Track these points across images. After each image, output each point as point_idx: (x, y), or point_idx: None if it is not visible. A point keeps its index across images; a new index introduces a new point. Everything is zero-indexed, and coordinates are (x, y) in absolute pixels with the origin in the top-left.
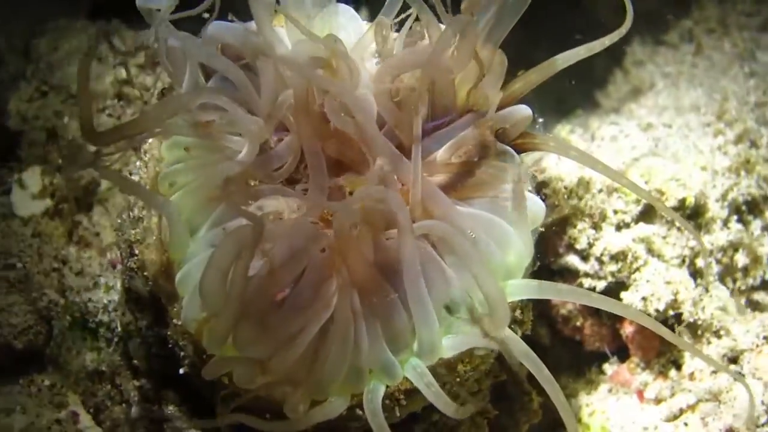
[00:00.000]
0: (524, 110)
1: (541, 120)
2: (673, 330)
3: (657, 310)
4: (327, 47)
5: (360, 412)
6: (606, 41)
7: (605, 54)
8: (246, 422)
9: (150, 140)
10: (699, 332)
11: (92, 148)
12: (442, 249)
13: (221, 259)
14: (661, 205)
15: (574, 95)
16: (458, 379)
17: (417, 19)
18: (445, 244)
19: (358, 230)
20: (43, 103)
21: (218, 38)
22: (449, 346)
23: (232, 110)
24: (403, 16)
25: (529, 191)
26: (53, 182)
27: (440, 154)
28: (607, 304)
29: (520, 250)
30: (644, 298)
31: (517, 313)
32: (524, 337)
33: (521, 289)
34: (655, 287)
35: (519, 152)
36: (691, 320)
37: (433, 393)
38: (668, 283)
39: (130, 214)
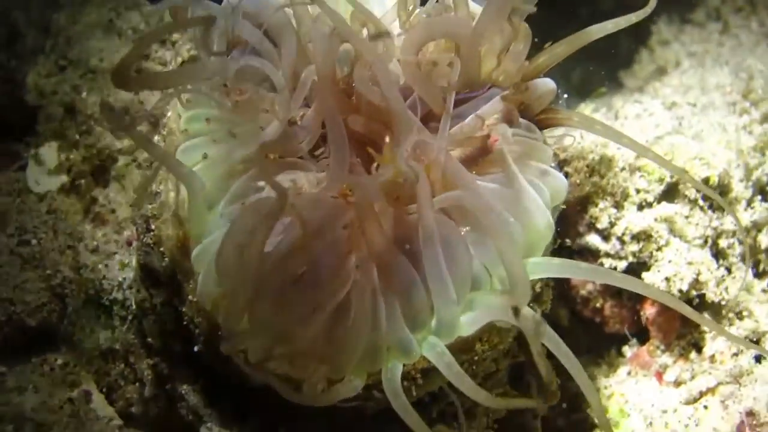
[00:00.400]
0: (549, 83)
1: (565, 96)
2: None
3: (680, 291)
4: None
5: (377, 393)
6: (633, 17)
7: (630, 34)
8: (272, 384)
9: (169, 114)
10: (722, 313)
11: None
12: (463, 224)
13: (239, 232)
14: (689, 177)
15: (599, 76)
16: (475, 358)
17: None
18: (468, 218)
19: (379, 205)
20: (61, 78)
21: (242, 7)
22: (467, 322)
23: (275, 78)
24: None
25: (552, 167)
26: (69, 158)
27: (462, 127)
28: (628, 283)
29: (540, 227)
30: (667, 278)
31: (537, 289)
32: (543, 317)
33: (541, 267)
34: (677, 267)
35: (542, 128)
36: (715, 300)
37: (454, 374)
38: (690, 263)
39: (148, 188)
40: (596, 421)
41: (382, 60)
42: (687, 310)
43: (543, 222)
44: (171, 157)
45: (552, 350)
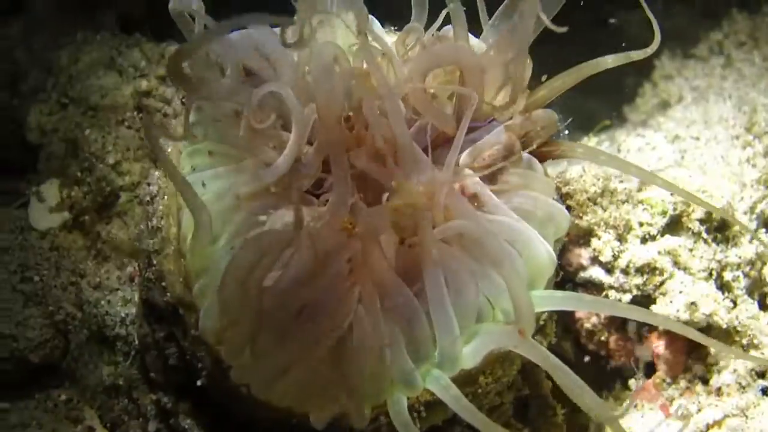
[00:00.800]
0: (551, 114)
1: (566, 132)
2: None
3: (699, 319)
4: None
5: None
6: (633, 55)
7: (633, 69)
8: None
9: (169, 149)
10: (728, 344)
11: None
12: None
13: (241, 266)
14: (699, 201)
15: (602, 111)
16: (479, 391)
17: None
18: (470, 249)
19: (384, 237)
20: (62, 116)
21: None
22: (470, 353)
23: (295, 110)
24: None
25: (555, 199)
26: (71, 195)
27: (463, 158)
28: (633, 313)
29: (542, 259)
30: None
31: (540, 322)
32: (550, 349)
33: (545, 300)
34: (689, 297)
35: (544, 160)
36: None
37: (463, 407)
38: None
39: (149, 224)
40: None
41: (393, 94)
42: (695, 335)
43: (544, 254)
44: (190, 188)
45: (555, 377)
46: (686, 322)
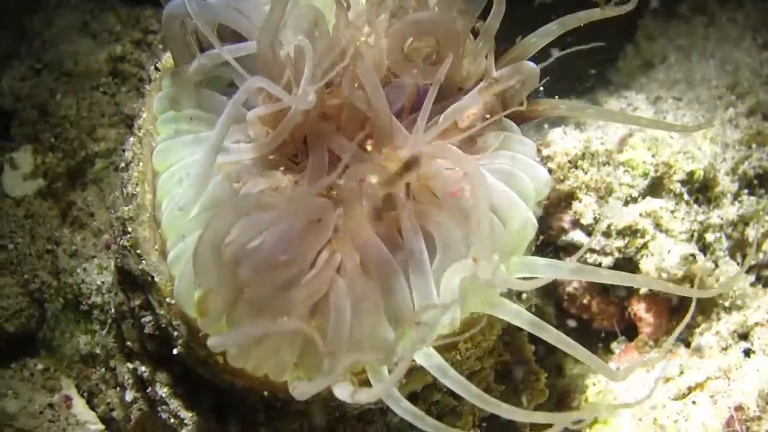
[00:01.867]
0: (529, 66)
1: (541, 89)
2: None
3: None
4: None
5: None
6: (609, 11)
7: (615, 29)
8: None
9: (144, 115)
10: (709, 306)
11: None
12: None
13: (217, 229)
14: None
15: (583, 73)
16: (458, 357)
17: None
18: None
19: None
20: (36, 82)
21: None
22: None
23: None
24: None
25: (536, 162)
26: (45, 161)
27: (441, 120)
28: (615, 278)
29: (523, 223)
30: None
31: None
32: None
33: (527, 266)
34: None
35: (525, 121)
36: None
37: (451, 379)
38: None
39: (123, 191)
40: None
41: (370, 70)
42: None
43: (525, 217)
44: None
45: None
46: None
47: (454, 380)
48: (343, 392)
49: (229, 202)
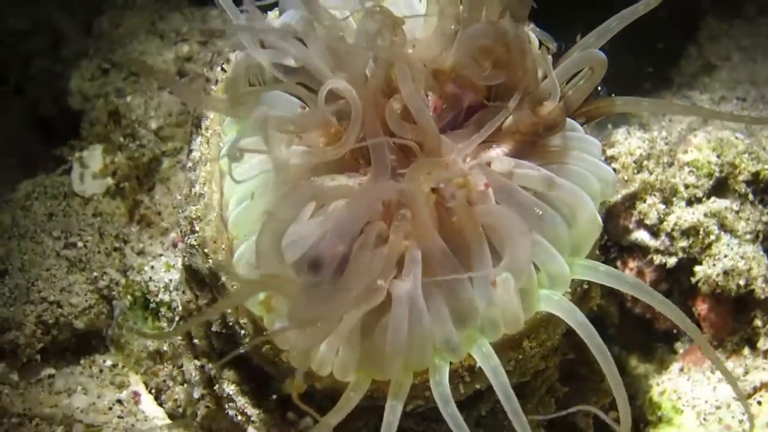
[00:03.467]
0: (598, 53)
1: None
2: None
3: (738, 285)
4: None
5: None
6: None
7: (678, 29)
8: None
9: (211, 116)
10: None
11: None
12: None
13: (281, 218)
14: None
15: (645, 73)
16: (522, 357)
17: None
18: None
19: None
20: (104, 81)
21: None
22: None
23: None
24: None
25: (601, 161)
26: (114, 161)
27: (507, 122)
28: (666, 308)
29: (590, 222)
30: (725, 272)
31: (584, 285)
32: (591, 314)
33: (587, 270)
34: (734, 262)
35: (586, 122)
36: (763, 297)
37: (499, 384)
38: (742, 258)
39: (192, 190)
40: (648, 416)
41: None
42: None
43: (591, 216)
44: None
45: (584, 339)
46: (738, 286)
47: (501, 387)
48: None
49: (293, 192)
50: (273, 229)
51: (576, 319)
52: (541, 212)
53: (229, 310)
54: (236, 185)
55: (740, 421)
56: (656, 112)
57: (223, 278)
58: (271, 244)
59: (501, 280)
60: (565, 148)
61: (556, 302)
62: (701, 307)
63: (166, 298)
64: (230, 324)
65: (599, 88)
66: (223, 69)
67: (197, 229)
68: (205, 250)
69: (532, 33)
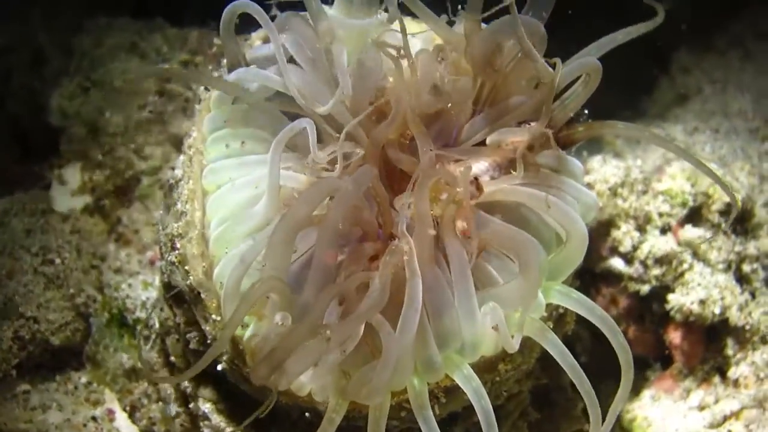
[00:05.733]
0: (593, 60)
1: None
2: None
3: (713, 313)
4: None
5: (403, 413)
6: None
7: (651, 61)
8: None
9: (194, 135)
10: (746, 336)
11: None
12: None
13: (297, 215)
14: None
15: (619, 105)
16: (497, 379)
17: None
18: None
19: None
20: (84, 100)
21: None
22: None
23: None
24: None
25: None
26: (93, 178)
27: (491, 137)
28: (628, 358)
29: (581, 240)
30: (702, 301)
31: (560, 311)
32: (566, 338)
33: (560, 297)
34: (708, 291)
35: (568, 145)
36: (739, 324)
37: (482, 408)
38: (715, 287)
39: (173, 208)
40: None
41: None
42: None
43: (579, 241)
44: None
45: (561, 363)
46: (700, 315)
47: (484, 411)
48: None
49: (311, 190)
50: (288, 227)
51: (550, 340)
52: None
53: (208, 328)
54: (218, 205)
55: None
56: (636, 138)
57: (203, 295)
58: (284, 240)
59: (489, 308)
60: (549, 168)
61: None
62: (673, 335)
63: (143, 315)
64: (209, 342)
65: (584, 111)
66: (206, 88)
67: (178, 246)
68: (186, 267)
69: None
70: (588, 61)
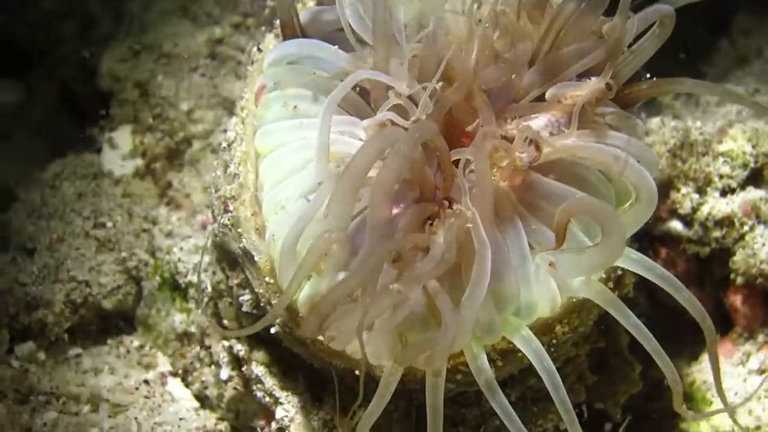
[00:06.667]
0: (666, 7)
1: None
2: None
3: None
4: None
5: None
6: None
7: (709, 24)
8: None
9: (246, 96)
10: None
11: None
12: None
13: (363, 163)
14: None
15: (678, 68)
16: (554, 341)
17: None
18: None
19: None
20: (134, 63)
21: None
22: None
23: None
24: None
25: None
26: (144, 142)
27: (550, 91)
28: (690, 305)
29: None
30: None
31: (618, 272)
32: (626, 301)
33: (621, 258)
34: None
35: (630, 105)
36: None
37: (545, 369)
38: None
39: (226, 170)
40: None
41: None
42: None
43: (650, 193)
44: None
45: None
46: (761, 277)
47: (547, 372)
48: None
49: (375, 138)
50: (356, 174)
51: (608, 299)
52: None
53: (261, 291)
54: (272, 168)
55: None
56: (698, 92)
57: (256, 257)
58: (348, 189)
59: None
60: (609, 125)
61: (590, 287)
62: (733, 299)
63: (195, 279)
64: (262, 305)
65: (643, 72)
66: (258, 49)
67: (231, 208)
68: (239, 230)
69: None
70: (661, 7)
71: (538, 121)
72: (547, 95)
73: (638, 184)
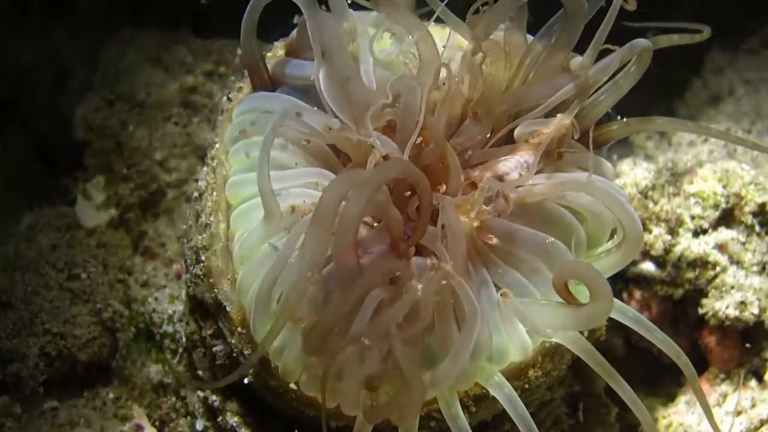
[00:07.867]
0: (643, 41)
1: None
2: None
3: (753, 314)
4: None
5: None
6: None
7: (682, 62)
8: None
9: (216, 146)
10: None
11: None
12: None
13: (328, 203)
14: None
15: (651, 106)
16: (527, 386)
17: None
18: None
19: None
20: (109, 113)
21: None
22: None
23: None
24: None
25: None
26: (118, 192)
27: (518, 130)
28: (667, 346)
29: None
30: (742, 303)
31: None
32: (597, 345)
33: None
34: (744, 293)
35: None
36: None
37: (518, 415)
38: (750, 289)
39: (198, 220)
40: None
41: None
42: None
43: (639, 232)
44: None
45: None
46: (736, 319)
47: (520, 417)
48: None
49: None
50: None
51: (582, 347)
52: (549, 240)
53: (233, 341)
54: (242, 219)
55: None
56: (669, 129)
57: (228, 308)
58: (324, 233)
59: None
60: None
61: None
62: (708, 339)
63: (170, 329)
64: (235, 355)
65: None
66: (228, 98)
67: (203, 258)
68: (211, 280)
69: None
70: (639, 42)
71: (508, 164)
72: (516, 134)
73: (626, 224)
